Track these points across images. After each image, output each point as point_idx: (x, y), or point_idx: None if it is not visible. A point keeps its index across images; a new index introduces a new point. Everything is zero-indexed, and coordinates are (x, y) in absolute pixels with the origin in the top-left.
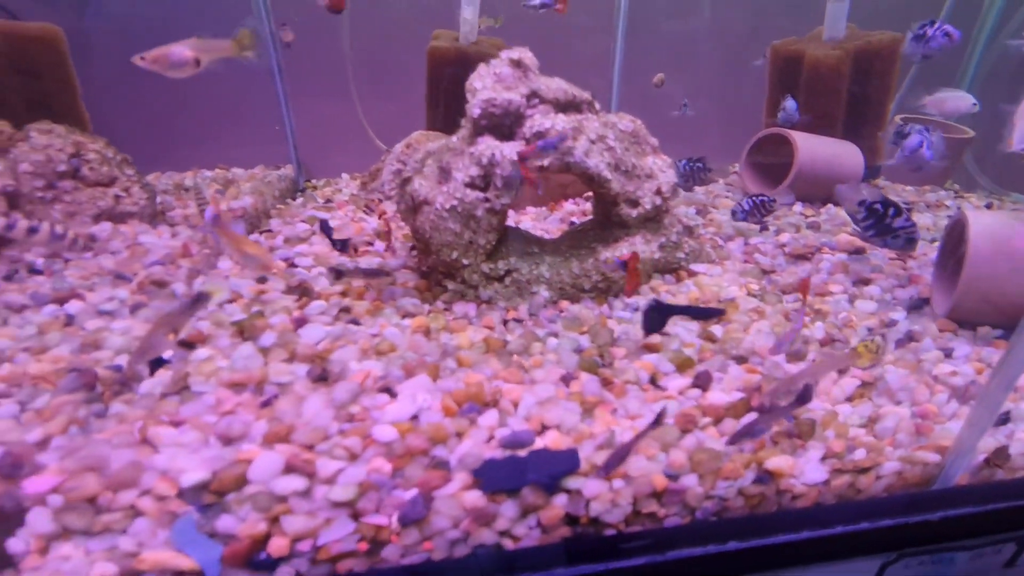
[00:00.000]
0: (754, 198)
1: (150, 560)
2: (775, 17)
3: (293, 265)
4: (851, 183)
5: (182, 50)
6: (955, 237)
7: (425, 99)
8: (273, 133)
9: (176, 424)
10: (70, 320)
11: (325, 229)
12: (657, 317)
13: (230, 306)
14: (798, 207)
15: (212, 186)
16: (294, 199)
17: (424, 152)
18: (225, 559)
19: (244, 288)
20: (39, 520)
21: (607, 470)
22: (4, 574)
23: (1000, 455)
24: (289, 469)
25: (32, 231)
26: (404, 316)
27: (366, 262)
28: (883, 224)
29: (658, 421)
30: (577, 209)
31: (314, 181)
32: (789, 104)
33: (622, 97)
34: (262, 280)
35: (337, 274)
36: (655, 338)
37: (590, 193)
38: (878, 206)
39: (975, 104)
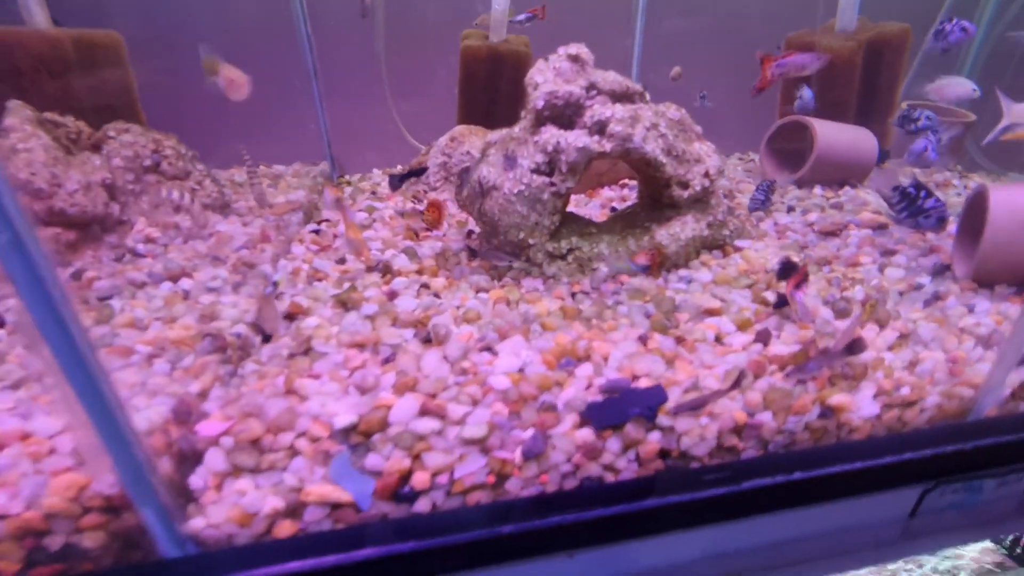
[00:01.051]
0: (764, 184)
1: (314, 493)
2: (788, 10)
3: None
4: (885, 170)
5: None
6: (975, 208)
7: (458, 95)
8: (305, 131)
9: (315, 377)
10: (186, 295)
11: (403, 177)
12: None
13: (320, 283)
14: (818, 190)
15: (264, 180)
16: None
17: (484, 143)
18: (376, 492)
19: (327, 268)
20: (215, 459)
21: (686, 408)
22: (188, 507)
23: (1023, 389)
24: (424, 412)
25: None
26: (478, 291)
27: (429, 246)
28: (915, 206)
29: (737, 383)
30: (615, 195)
31: (347, 176)
32: (806, 93)
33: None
34: (341, 261)
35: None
36: (715, 303)
37: (625, 181)
38: (911, 189)
39: (975, 90)
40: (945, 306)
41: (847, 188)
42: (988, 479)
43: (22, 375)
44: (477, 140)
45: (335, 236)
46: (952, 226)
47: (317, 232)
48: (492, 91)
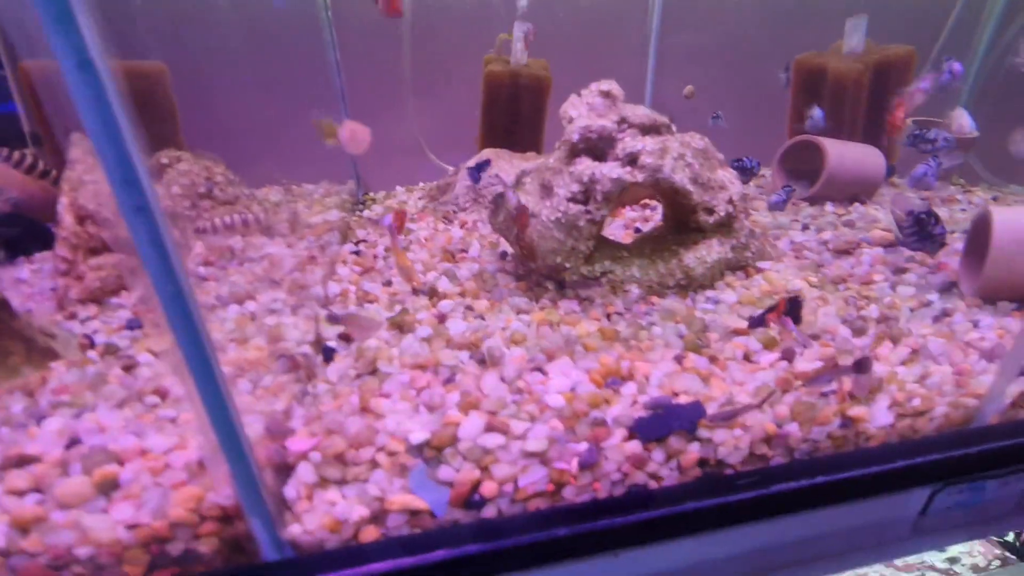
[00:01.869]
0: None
1: (396, 502)
2: (796, 32)
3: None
4: (900, 195)
5: None
6: (979, 228)
7: (481, 118)
8: (330, 150)
9: (386, 396)
10: (253, 316)
11: (476, 172)
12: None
13: (371, 305)
14: (829, 207)
15: (301, 202)
16: (360, 212)
17: (520, 172)
18: (450, 501)
19: (377, 290)
20: (305, 472)
21: (721, 419)
22: (285, 515)
23: (1023, 398)
24: (489, 428)
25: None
26: (519, 312)
27: (467, 267)
28: (925, 232)
29: (767, 399)
30: (638, 215)
31: (372, 194)
32: (817, 113)
33: (655, 105)
34: (388, 283)
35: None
36: (742, 323)
37: (646, 201)
38: (923, 215)
39: (973, 129)
40: (952, 321)
41: (857, 204)
42: (991, 480)
43: (125, 395)
44: (504, 163)
45: (375, 256)
46: (958, 243)
47: (357, 253)
48: (514, 114)
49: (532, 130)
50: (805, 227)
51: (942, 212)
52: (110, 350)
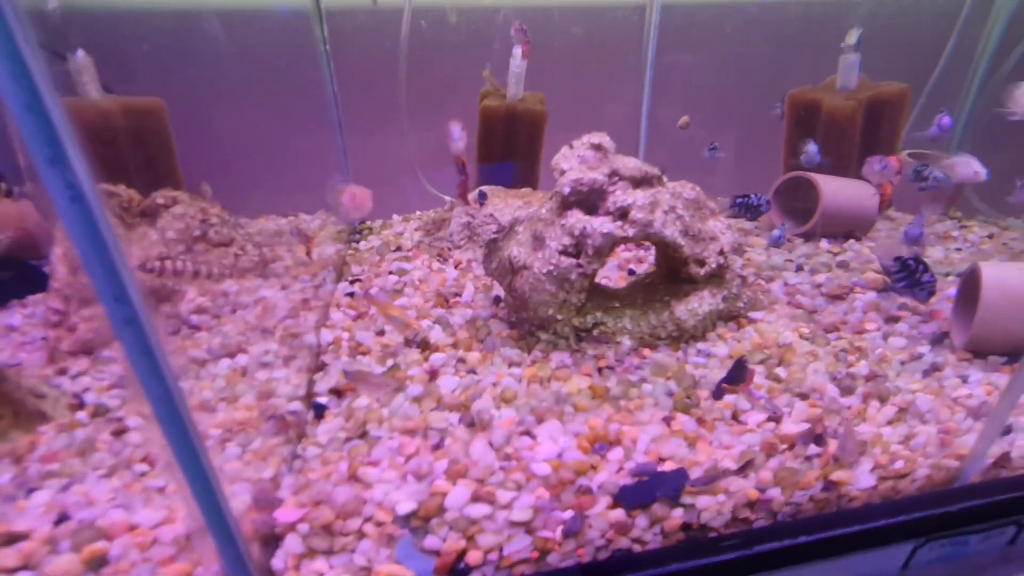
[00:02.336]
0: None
1: (383, 573)
2: (793, 62)
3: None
4: (887, 242)
5: None
6: (970, 283)
7: (476, 152)
8: (323, 177)
9: (374, 464)
10: (244, 371)
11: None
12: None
13: (364, 358)
14: (824, 244)
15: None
16: (356, 243)
17: (512, 219)
18: (436, 570)
19: (369, 340)
20: (293, 543)
21: (702, 483)
22: None
23: (1004, 459)
24: (476, 498)
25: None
26: (511, 365)
27: (460, 314)
28: (914, 278)
29: (743, 470)
30: (632, 256)
31: (368, 223)
32: (811, 148)
33: (649, 138)
34: (380, 332)
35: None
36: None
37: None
38: (911, 262)
39: (978, 172)
40: (942, 376)
41: (852, 241)
42: (973, 535)
43: (114, 462)
44: (498, 201)
45: (378, 290)
46: (952, 288)
47: (351, 295)
48: (509, 147)
49: (528, 165)
50: (799, 268)
51: (937, 251)
52: (100, 411)
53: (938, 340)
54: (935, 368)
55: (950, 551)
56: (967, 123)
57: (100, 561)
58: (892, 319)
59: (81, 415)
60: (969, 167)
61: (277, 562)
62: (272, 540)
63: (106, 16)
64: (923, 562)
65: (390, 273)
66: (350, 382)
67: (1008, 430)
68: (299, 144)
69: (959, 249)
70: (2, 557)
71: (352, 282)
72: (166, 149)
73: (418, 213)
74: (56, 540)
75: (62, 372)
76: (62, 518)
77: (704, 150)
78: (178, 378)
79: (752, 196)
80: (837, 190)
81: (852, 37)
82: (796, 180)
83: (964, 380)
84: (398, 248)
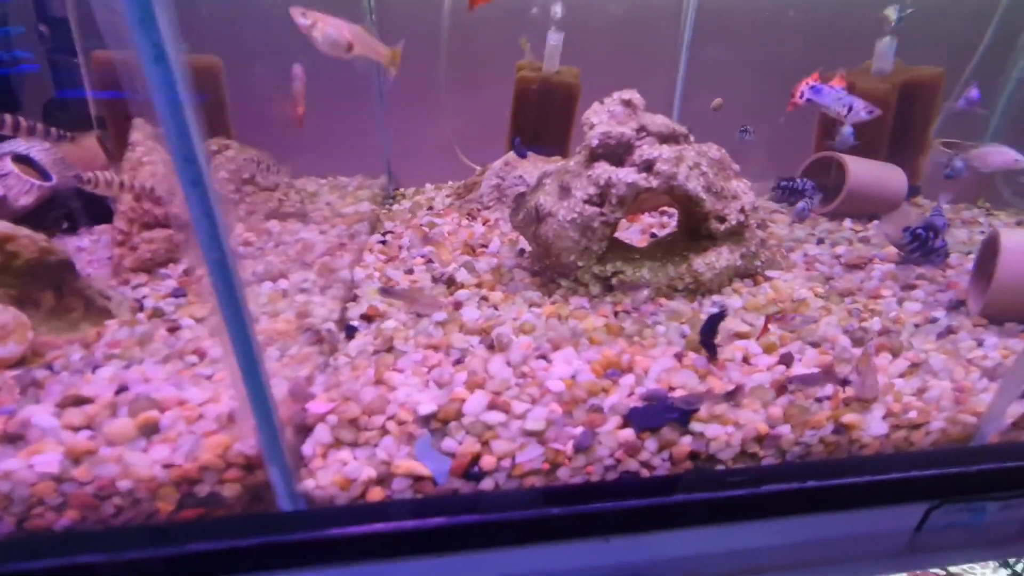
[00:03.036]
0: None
1: (401, 467)
2: (828, 46)
3: (430, 261)
4: (890, 216)
5: (341, 30)
6: (988, 250)
7: (511, 122)
8: (364, 145)
9: (399, 371)
10: (284, 293)
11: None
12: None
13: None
14: (848, 223)
15: (335, 193)
16: (390, 206)
17: (541, 173)
18: (451, 470)
19: (398, 277)
20: (322, 433)
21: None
22: (301, 470)
23: None
24: (492, 406)
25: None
26: (531, 305)
27: (485, 261)
28: (927, 247)
29: (731, 396)
30: (655, 221)
31: (402, 189)
32: (846, 130)
33: (681, 119)
34: (409, 271)
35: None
36: (744, 327)
37: (664, 208)
38: (920, 232)
39: (1018, 159)
40: (956, 339)
41: (876, 222)
42: (991, 502)
43: (168, 352)
44: (528, 166)
45: (399, 247)
46: (970, 264)
47: (384, 243)
48: (542, 119)
49: (559, 135)
50: (820, 241)
51: (961, 233)
52: (157, 313)
53: (954, 307)
54: (950, 331)
55: (967, 517)
56: (1004, 112)
57: (152, 428)
58: (908, 287)
59: (140, 316)
60: (1005, 155)
61: (307, 448)
62: (304, 430)
63: None
64: (938, 526)
65: (421, 226)
66: (393, 299)
67: None
68: (341, 110)
69: (983, 232)
70: (69, 415)
71: (384, 234)
72: (220, 106)
73: (450, 183)
74: (116, 406)
75: (125, 283)
76: (122, 389)
77: (735, 132)
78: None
79: (797, 180)
80: (864, 171)
81: (892, 13)
82: (826, 160)
83: (979, 343)
84: (430, 208)
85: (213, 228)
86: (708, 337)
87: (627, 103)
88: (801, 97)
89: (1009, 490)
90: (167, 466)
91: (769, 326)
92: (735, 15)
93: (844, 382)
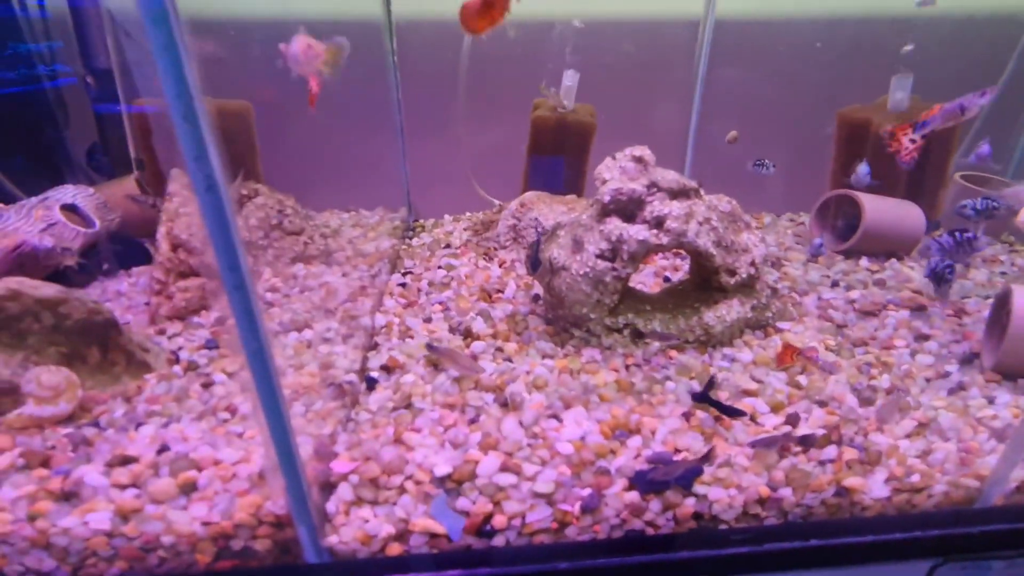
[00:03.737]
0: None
1: (418, 525)
2: (844, 80)
3: (447, 308)
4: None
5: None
6: (1001, 305)
7: (526, 161)
8: (384, 177)
9: (417, 431)
10: (309, 344)
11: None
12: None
13: (411, 341)
14: (864, 262)
15: (358, 228)
16: (409, 239)
17: (555, 224)
18: (465, 528)
19: (417, 326)
20: (344, 491)
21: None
22: (325, 526)
23: None
24: (504, 468)
25: None
26: (544, 357)
27: (501, 308)
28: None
29: (705, 458)
30: (668, 264)
31: (422, 221)
32: (862, 169)
33: (696, 152)
34: (428, 320)
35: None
36: (752, 384)
37: (678, 250)
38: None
39: None
40: (967, 396)
41: (893, 260)
42: (997, 560)
43: (202, 409)
44: (543, 207)
45: (419, 290)
46: (986, 311)
47: (403, 285)
48: (558, 156)
49: (575, 173)
50: (835, 284)
51: (981, 274)
52: (192, 367)
53: (968, 360)
54: (961, 387)
55: (972, 574)
56: None
57: (191, 487)
58: (922, 337)
59: (177, 368)
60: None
61: (331, 506)
62: (328, 487)
63: (207, 24)
64: None
65: (439, 268)
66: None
67: None
68: (364, 146)
69: (1004, 273)
70: (117, 475)
71: (404, 274)
72: (251, 147)
73: (468, 214)
74: (158, 466)
75: (161, 332)
76: (163, 449)
77: (749, 164)
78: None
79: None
80: (880, 209)
81: (908, 47)
82: (842, 197)
83: (990, 401)
84: (447, 245)
85: (254, 326)
86: (706, 400)
87: (638, 159)
88: (913, 140)
89: (1016, 549)
90: (205, 523)
91: (793, 356)
92: (750, 45)
93: (794, 439)
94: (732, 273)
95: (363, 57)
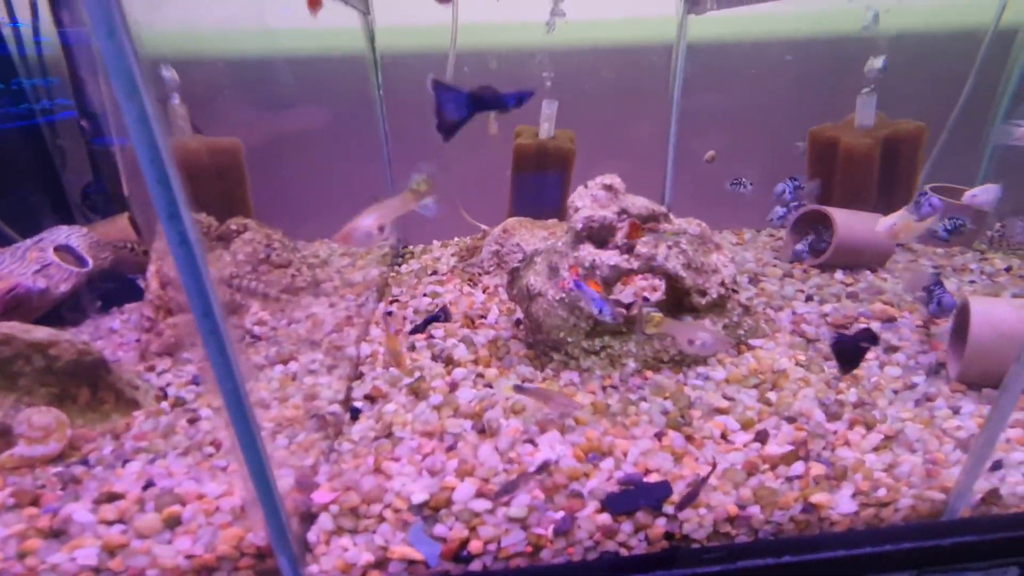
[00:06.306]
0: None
1: (396, 552)
2: (816, 98)
3: (431, 337)
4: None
5: (368, 222)
6: (962, 316)
7: (510, 187)
8: (370, 203)
9: (396, 460)
10: (294, 376)
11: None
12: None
13: (394, 370)
14: (839, 274)
15: (347, 257)
16: (399, 266)
17: (532, 250)
18: (442, 554)
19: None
20: (325, 521)
21: (683, 504)
22: (306, 556)
23: (993, 495)
24: (479, 495)
25: None
26: (524, 381)
27: (483, 334)
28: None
29: (706, 479)
30: (647, 284)
31: (411, 247)
32: (778, 187)
33: (676, 172)
34: (412, 348)
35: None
36: (724, 403)
37: None
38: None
39: (999, 194)
40: (934, 407)
41: (867, 272)
42: (970, 572)
43: (188, 444)
44: (525, 232)
45: (404, 318)
46: (950, 323)
47: (390, 314)
48: (539, 184)
49: (557, 197)
50: (809, 298)
51: (951, 284)
52: (178, 403)
53: (934, 371)
54: (927, 398)
55: None
56: (991, 159)
57: (175, 521)
58: (891, 348)
59: (164, 405)
60: (991, 192)
61: (311, 536)
62: (308, 517)
63: (194, 63)
64: None
65: (424, 295)
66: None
67: (998, 466)
68: (352, 177)
69: (973, 282)
70: (104, 511)
71: (391, 302)
72: (240, 182)
73: (456, 239)
74: (144, 501)
75: (151, 369)
76: (148, 484)
77: (727, 183)
78: (245, 379)
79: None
80: (852, 223)
81: (877, 63)
82: (815, 213)
83: (956, 411)
84: (434, 272)
85: (228, 369)
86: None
87: (608, 187)
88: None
89: (987, 559)
90: (189, 556)
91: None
92: (724, 67)
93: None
94: (703, 294)
95: (351, 91)
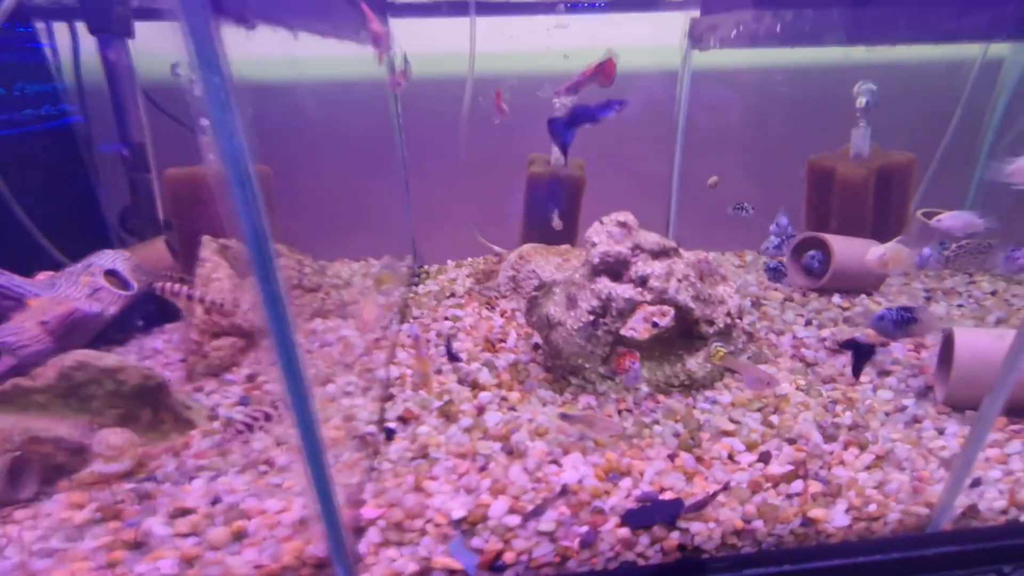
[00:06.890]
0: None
1: (438, 563)
2: (814, 130)
3: (456, 359)
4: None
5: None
6: (947, 344)
7: (523, 213)
8: (388, 224)
9: (433, 479)
10: (333, 398)
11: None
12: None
13: (422, 392)
14: (836, 299)
15: (369, 279)
16: (415, 286)
17: (551, 280)
18: (479, 565)
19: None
20: (373, 535)
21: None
22: (358, 565)
23: (972, 510)
24: (512, 511)
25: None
26: (544, 404)
27: (504, 358)
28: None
29: (714, 495)
30: (656, 310)
31: (426, 267)
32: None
33: (681, 196)
34: (438, 371)
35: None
36: (730, 426)
37: None
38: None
39: (979, 221)
40: (921, 428)
41: (863, 296)
42: None
43: (244, 462)
44: (540, 259)
45: (427, 341)
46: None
47: (418, 337)
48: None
49: (568, 224)
50: (808, 323)
51: (940, 308)
52: (229, 423)
53: (922, 394)
54: (916, 420)
55: None
56: (978, 188)
57: (242, 534)
58: (884, 372)
59: (216, 424)
60: (964, 219)
61: (362, 547)
62: (358, 531)
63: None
64: None
65: (445, 319)
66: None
67: (977, 482)
68: (372, 200)
69: (961, 305)
70: (178, 525)
71: (413, 323)
72: (270, 209)
73: (470, 260)
74: (213, 516)
75: (199, 389)
76: (215, 500)
77: (729, 208)
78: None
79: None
80: (849, 249)
81: (861, 101)
82: (813, 240)
83: (941, 432)
84: (452, 294)
85: (299, 386)
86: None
87: (622, 224)
88: None
89: (969, 568)
90: (257, 566)
91: None
92: (728, 94)
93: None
94: (710, 323)
95: (370, 117)
